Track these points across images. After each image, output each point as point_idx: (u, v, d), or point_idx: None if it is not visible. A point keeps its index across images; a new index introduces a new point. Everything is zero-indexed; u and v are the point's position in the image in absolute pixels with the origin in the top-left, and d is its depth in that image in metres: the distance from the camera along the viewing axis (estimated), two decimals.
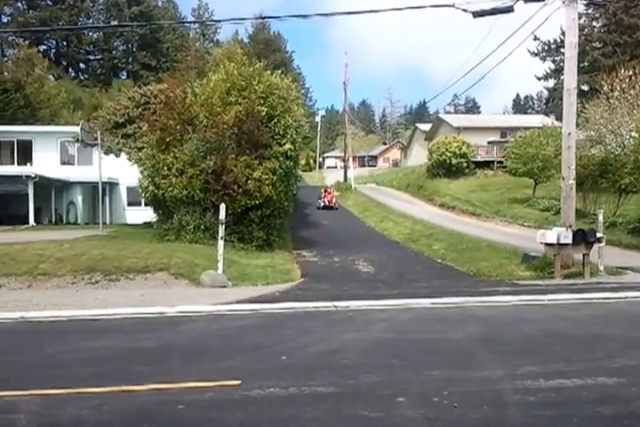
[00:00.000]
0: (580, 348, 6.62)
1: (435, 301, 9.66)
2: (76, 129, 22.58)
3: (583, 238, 12.66)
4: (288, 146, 17.65)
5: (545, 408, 4.60)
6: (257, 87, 17.83)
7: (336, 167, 75.64)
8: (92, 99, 48.59)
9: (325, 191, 34.88)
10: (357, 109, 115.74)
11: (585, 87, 42.25)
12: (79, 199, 28.73)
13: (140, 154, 19.06)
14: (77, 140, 22.94)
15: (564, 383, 5.19)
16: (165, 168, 17.07)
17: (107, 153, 22.45)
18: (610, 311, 9.23)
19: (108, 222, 25.70)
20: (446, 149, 38.25)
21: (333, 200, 33.74)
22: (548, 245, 12.84)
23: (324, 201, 33.46)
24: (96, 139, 21.02)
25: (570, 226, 13.21)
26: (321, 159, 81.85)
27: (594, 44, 49.46)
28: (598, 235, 12.95)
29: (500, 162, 36.14)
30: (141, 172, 18.67)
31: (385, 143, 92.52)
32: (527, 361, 5.91)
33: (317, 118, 69.71)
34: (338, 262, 16.07)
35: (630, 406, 4.63)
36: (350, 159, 53.09)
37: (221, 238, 12.29)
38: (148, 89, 22.99)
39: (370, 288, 11.63)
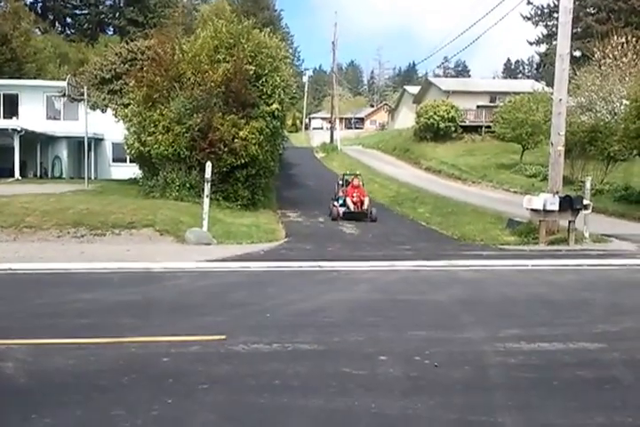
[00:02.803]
0: (562, 313, 6.69)
1: (419, 263, 9.73)
2: (63, 84, 22.25)
3: (569, 205, 12.71)
4: (275, 106, 17.44)
5: (525, 371, 4.66)
6: (245, 45, 17.53)
7: (322, 129, 74.89)
8: (79, 54, 47.38)
9: (351, 185, 18.02)
10: (345, 70, 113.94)
11: (577, 53, 41.89)
12: (64, 154, 28.49)
13: (126, 110, 18.75)
14: (64, 95, 22.62)
15: (545, 347, 5.24)
16: (152, 125, 16.86)
17: (93, 108, 22.13)
18: (593, 278, 9.32)
19: (93, 178, 25.46)
20: (434, 113, 38.00)
21: (366, 202, 17.58)
22: (533, 210, 12.90)
23: (347, 205, 17.35)
24: (82, 94, 20.71)
25: (557, 192, 13.25)
26: (307, 120, 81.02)
27: (588, 10, 48.87)
28: (585, 202, 13.01)
29: (489, 127, 36.02)
30: (127, 128, 18.44)
31: (372, 105, 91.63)
32: (509, 324, 5.97)
33: (305, 79, 68.78)
34: (322, 223, 16.10)
35: (611, 371, 4.68)
36: (337, 121, 52.61)
37: (207, 197, 12.23)
38: (135, 45, 22.51)
39: (354, 249, 11.67)
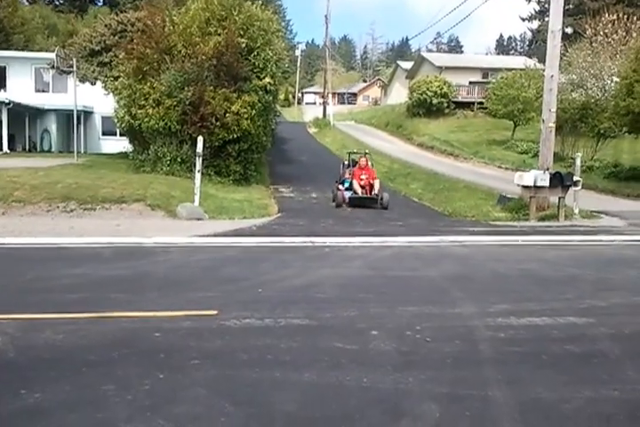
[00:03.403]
0: (551, 288, 6.74)
1: (411, 239, 9.75)
2: (52, 55, 21.73)
3: (560, 182, 12.76)
4: (267, 80, 17.23)
5: (515, 345, 4.71)
6: (237, 18, 17.24)
7: (315, 103, 74.33)
8: (68, 25, 46.39)
9: (358, 165, 15.88)
10: (338, 45, 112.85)
11: (569, 30, 41.60)
12: (53, 127, 28.11)
13: (115, 83, 18.48)
14: (52, 67, 22.16)
15: (534, 322, 5.30)
16: (142, 98, 16.64)
17: (82, 81, 21.78)
18: (583, 254, 9.41)
19: (82, 151, 25.22)
20: (427, 89, 37.76)
21: (376, 186, 15.37)
22: (524, 187, 12.94)
23: (354, 190, 15.29)
24: (71, 66, 20.33)
25: (547, 169, 13.28)
26: (300, 95, 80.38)
27: None
28: (575, 178, 13.06)
29: (481, 103, 35.87)
30: (117, 101, 18.19)
31: (365, 81, 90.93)
32: (499, 299, 6.02)
33: (297, 52, 67.92)
34: (315, 199, 16.07)
35: (598, 345, 4.75)
36: (330, 96, 52.19)
37: (198, 171, 12.14)
38: (125, 17, 22.10)
39: (347, 225, 11.68)
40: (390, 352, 4.46)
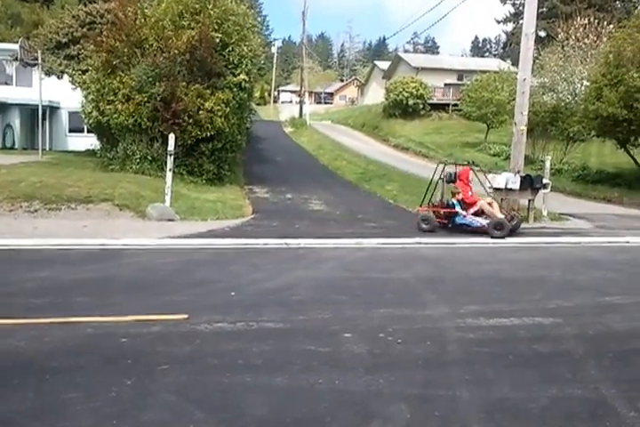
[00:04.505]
0: (520, 289, 6.85)
1: (385, 241, 9.78)
2: (15, 47, 20.99)
3: (530, 184, 12.90)
4: (242, 76, 17.03)
5: (483, 345, 4.78)
6: (212, 12, 16.94)
7: (291, 102, 74.20)
8: (33, 15, 45.31)
9: (460, 181, 11.77)
10: (315, 42, 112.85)
11: (542, 33, 42.13)
12: (17, 123, 27.07)
13: (83, 77, 18.03)
14: (16, 59, 21.42)
15: (502, 322, 5.39)
16: (111, 93, 16.22)
17: (48, 74, 21.05)
18: (551, 255, 9.58)
19: (47, 149, 24.47)
20: (403, 89, 37.98)
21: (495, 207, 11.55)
22: (496, 189, 13.04)
23: (490, 213, 11.30)
24: (36, 58, 19.66)
25: (518, 171, 13.42)
26: (276, 93, 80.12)
27: None
28: (544, 181, 13.23)
29: (456, 105, 36.20)
30: (85, 96, 17.73)
31: (342, 80, 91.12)
32: (469, 300, 6.08)
33: (273, 49, 67.57)
34: (290, 200, 16.01)
35: (564, 345, 4.86)
36: (306, 94, 52.12)
37: (170, 170, 11.98)
38: (94, 8, 21.49)
39: (322, 227, 11.66)
40: (362, 354, 4.48)
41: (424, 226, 11.30)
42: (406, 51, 79.74)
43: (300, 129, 41.56)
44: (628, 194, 18.39)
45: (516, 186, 12.73)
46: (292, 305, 5.73)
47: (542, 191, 13.28)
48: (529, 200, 13.09)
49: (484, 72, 32.43)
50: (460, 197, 11.64)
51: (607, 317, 5.73)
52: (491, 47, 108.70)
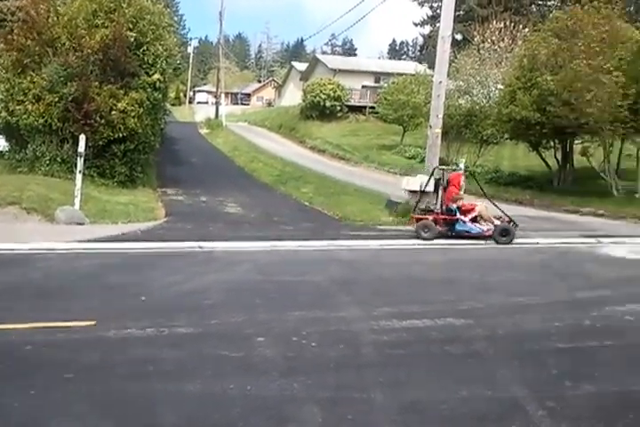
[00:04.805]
0: (433, 291, 7.03)
1: (300, 243, 9.81)
2: None
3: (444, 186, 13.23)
4: (157, 76, 16.66)
5: (397, 347, 4.88)
6: (126, 10, 16.51)
7: (207, 103, 73.03)
8: None
9: (451, 186, 11.76)
10: (233, 43, 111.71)
11: (459, 36, 43.38)
12: None
13: None
14: None
15: (415, 324, 5.51)
16: (21, 93, 15.53)
17: None
18: (463, 256, 9.89)
19: None
20: (321, 91, 38.23)
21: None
22: (411, 191, 13.31)
23: (488, 219, 11.29)
24: None
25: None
26: (192, 93, 78.79)
27: None
28: None
29: (373, 107, 36.71)
30: None
31: (260, 81, 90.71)
32: (383, 303, 6.19)
33: (190, 49, 66.43)
34: (204, 202, 15.77)
35: (475, 346, 5.01)
36: (222, 95, 51.55)
37: (80, 172, 11.55)
38: (4, 5, 20.51)
39: (237, 229, 11.55)
40: (276, 358, 4.48)
41: (424, 234, 11.01)
42: (324, 52, 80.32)
43: (215, 130, 41.08)
44: (539, 196, 18.95)
45: (431, 188, 13.04)
46: (204, 309, 5.66)
47: None
48: None
49: (401, 75, 33.00)
50: (460, 203, 11.47)
51: (517, 317, 5.95)
52: (408, 50, 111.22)
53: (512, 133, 20.58)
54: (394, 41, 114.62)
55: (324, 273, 7.70)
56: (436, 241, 10.78)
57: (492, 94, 24.83)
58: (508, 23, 28.16)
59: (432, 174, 13.21)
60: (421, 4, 54.76)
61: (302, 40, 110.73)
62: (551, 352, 4.90)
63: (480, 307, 6.30)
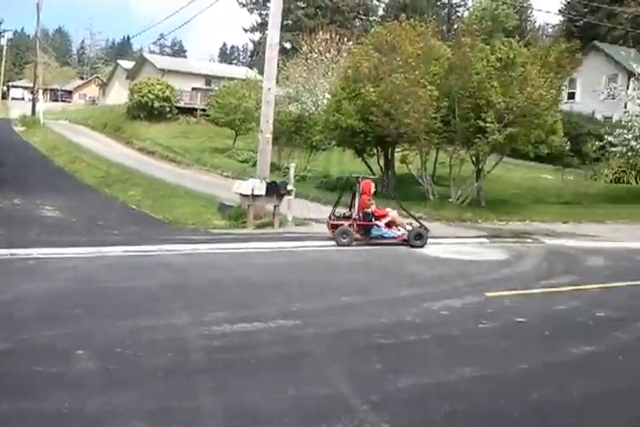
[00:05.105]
0: (265, 293, 7.03)
1: (127, 248, 9.33)
2: None
3: (275, 190, 13.43)
4: None
5: (227, 352, 4.81)
6: None
7: (24, 99, 67.35)
8: None
9: (364, 192, 11.78)
10: (52, 37, 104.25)
11: (288, 45, 44.48)
12: None
13: None
14: None
15: (247, 327, 5.47)
16: None
17: None
18: (295, 259, 9.97)
19: None
20: (149, 91, 37.00)
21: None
22: (243, 195, 13.34)
23: (400, 224, 11.73)
24: None
25: (264, 178, 13.88)
26: (5, 89, 72.20)
27: (299, 3, 52.22)
28: (289, 188, 13.86)
29: (204, 110, 36.28)
30: None
31: (82, 78, 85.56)
32: (214, 307, 6.08)
33: (3, 41, 61.01)
34: (18, 206, 14.49)
35: (305, 346, 5.10)
36: (40, 91, 47.77)
37: None
38: None
39: (57, 235, 10.74)
40: (97, 372, 4.22)
41: (343, 240, 11.18)
42: (152, 52, 77.92)
43: (32, 128, 38.12)
44: None
45: (262, 192, 13.15)
46: (15, 323, 5.17)
47: (287, 197, 13.88)
48: (274, 206, 13.58)
49: (231, 79, 32.99)
50: (372, 208, 11.71)
51: (345, 316, 6.12)
52: (239, 55, 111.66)
53: (339, 140, 21.40)
54: (225, 45, 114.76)
55: (153, 279, 7.41)
56: (267, 244, 10.77)
57: (320, 102, 25.76)
58: (333, 35, 29.36)
59: (264, 178, 13.40)
60: (251, 11, 55.55)
61: (129, 38, 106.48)
62: (375, 348, 5.11)
63: (309, 308, 6.40)
